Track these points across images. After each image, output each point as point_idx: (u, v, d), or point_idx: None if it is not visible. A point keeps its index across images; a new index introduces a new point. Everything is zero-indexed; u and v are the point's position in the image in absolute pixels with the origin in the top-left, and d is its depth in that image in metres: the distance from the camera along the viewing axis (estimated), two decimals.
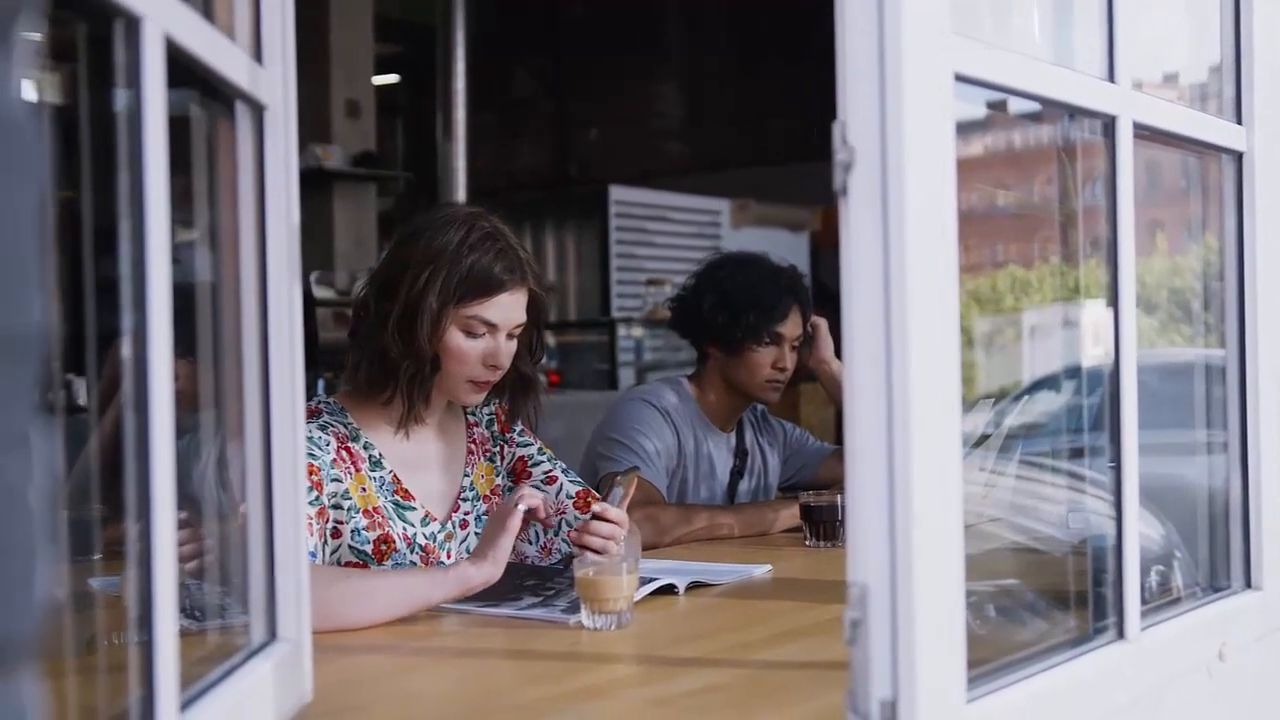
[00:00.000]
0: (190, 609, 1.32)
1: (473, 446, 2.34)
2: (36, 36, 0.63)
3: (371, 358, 2.17)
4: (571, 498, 2.32)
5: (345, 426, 2.19)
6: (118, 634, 1.36)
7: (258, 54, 1.33)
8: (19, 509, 0.55)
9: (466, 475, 2.31)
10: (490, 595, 2.05)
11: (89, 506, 1.34)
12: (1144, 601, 1.54)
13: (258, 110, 1.33)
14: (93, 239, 1.06)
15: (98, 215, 1.05)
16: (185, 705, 1.08)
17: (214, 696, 1.16)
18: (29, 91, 0.61)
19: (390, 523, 2.16)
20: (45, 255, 0.61)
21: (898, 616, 1.15)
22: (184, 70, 1.10)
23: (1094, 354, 1.94)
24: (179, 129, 1.08)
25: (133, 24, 0.97)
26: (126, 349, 0.99)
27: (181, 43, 1.06)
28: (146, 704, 1.00)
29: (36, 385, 0.59)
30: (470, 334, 2.16)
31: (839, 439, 4.01)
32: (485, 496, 2.33)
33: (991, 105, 1.44)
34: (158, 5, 1.00)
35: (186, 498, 1.15)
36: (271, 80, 1.34)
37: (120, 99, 0.99)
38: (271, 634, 1.36)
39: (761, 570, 2.33)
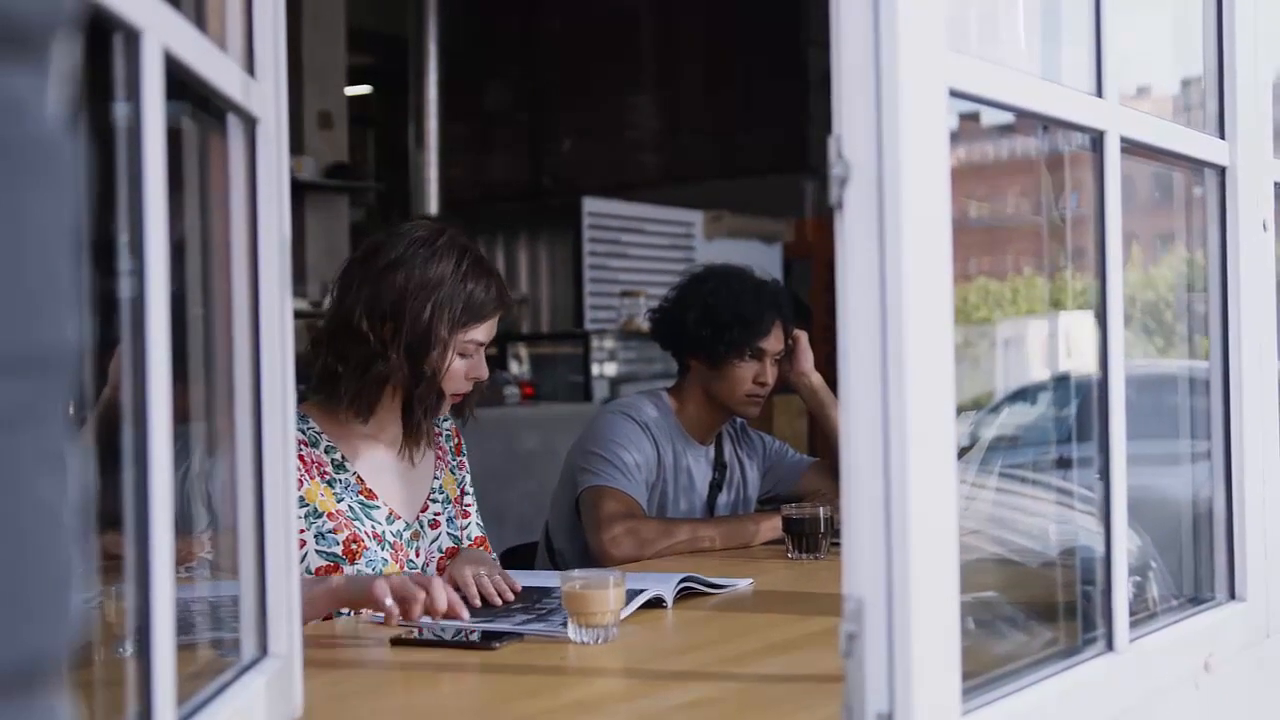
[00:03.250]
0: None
1: (440, 454, 2.43)
2: (72, 52, 0.62)
3: (374, 383, 2.22)
4: (471, 540, 2.41)
5: (303, 432, 2.24)
6: (100, 649, 1.35)
7: (250, 66, 1.32)
8: (55, 526, 0.55)
9: (436, 478, 2.39)
10: (483, 612, 2.04)
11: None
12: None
13: (250, 123, 1.32)
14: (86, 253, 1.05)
15: (91, 228, 1.04)
16: None
17: (208, 713, 1.15)
18: (64, 107, 0.61)
19: (356, 523, 2.21)
20: (79, 273, 0.61)
21: (894, 630, 1.15)
22: (176, 82, 1.10)
23: (1070, 366, 1.96)
24: (169, 141, 1.07)
25: (132, 37, 0.97)
26: (125, 362, 0.99)
27: (179, 56, 1.06)
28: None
29: (69, 402, 0.59)
30: (463, 355, 2.26)
31: (813, 450, 4.02)
32: (455, 500, 2.42)
33: (965, 116, 1.45)
34: (157, 18, 0.99)
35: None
36: (264, 93, 1.34)
37: (119, 111, 0.99)
38: (263, 649, 1.35)
39: (745, 584, 2.33)
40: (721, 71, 9.21)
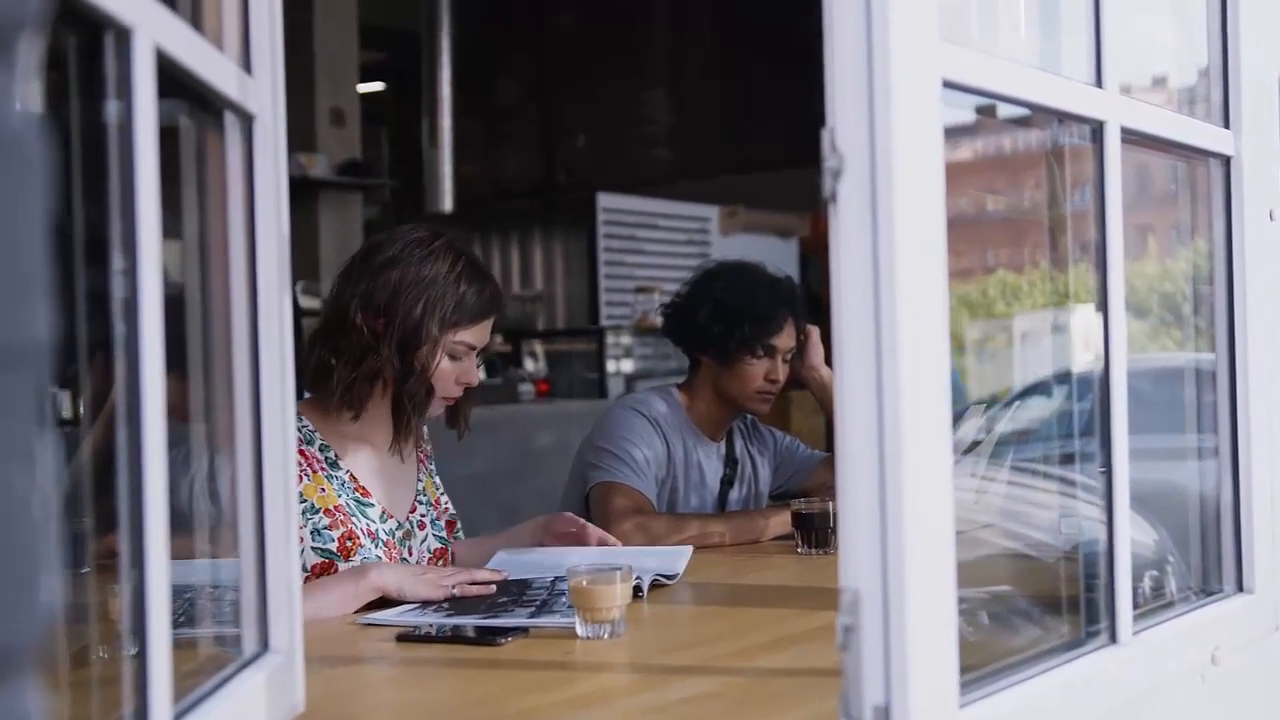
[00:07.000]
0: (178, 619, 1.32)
1: (422, 458, 2.47)
2: (39, 49, 0.63)
3: (365, 377, 2.25)
4: (430, 553, 2.41)
5: (299, 431, 2.25)
6: (104, 646, 1.36)
7: (246, 63, 1.33)
8: (24, 518, 0.56)
9: (419, 481, 2.43)
10: (475, 610, 2.02)
11: (78, 519, 1.33)
12: (1137, 606, 1.55)
13: (247, 120, 1.32)
14: (80, 250, 1.05)
15: (85, 226, 1.04)
16: (178, 717, 1.08)
17: (207, 708, 1.16)
18: (31, 104, 0.61)
19: (353, 519, 2.25)
20: (48, 268, 0.61)
21: (890, 622, 1.15)
22: (171, 80, 1.10)
23: (1084, 359, 1.95)
24: (166, 140, 1.08)
25: (123, 35, 0.97)
26: (118, 362, 0.99)
27: (171, 53, 1.06)
28: (140, 716, 0.99)
29: (40, 396, 0.59)
30: (453, 357, 2.29)
31: (829, 446, 4.01)
32: (435, 503, 2.45)
33: (980, 110, 1.45)
34: (149, 16, 0.99)
35: (177, 512, 1.14)
36: (260, 90, 1.34)
37: (110, 109, 0.99)
38: (264, 645, 1.36)
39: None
40: (734, 65, 9.19)
